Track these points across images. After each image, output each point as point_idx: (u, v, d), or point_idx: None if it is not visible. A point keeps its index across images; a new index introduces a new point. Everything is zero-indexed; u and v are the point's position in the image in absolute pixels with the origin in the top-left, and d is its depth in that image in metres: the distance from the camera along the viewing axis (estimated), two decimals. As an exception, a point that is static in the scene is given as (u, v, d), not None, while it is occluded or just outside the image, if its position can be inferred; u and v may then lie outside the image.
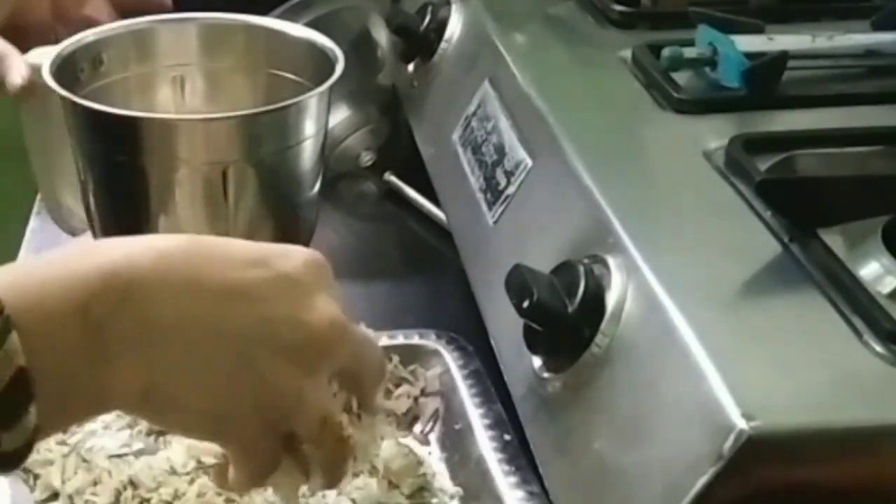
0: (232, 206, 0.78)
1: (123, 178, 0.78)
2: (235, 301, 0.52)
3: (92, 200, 0.81)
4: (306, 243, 0.83)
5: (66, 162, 0.81)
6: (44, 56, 0.80)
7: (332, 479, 0.57)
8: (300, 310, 0.53)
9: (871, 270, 0.55)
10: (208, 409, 0.53)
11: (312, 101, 0.78)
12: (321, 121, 0.80)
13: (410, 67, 0.98)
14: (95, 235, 0.82)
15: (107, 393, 0.50)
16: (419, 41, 0.95)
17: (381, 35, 1.05)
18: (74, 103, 0.76)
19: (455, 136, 0.84)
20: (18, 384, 0.46)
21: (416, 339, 0.77)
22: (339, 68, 0.80)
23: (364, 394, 0.60)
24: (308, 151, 0.80)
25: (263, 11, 1.00)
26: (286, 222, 0.82)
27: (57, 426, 0.52)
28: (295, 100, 0.77)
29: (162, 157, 0.76)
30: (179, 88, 0.88)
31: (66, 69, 0.81)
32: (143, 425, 0.69)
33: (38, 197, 1.01)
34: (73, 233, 0.84)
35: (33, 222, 0.98)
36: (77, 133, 0.78)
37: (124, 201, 0.79)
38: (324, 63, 0.82)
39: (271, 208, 0.80)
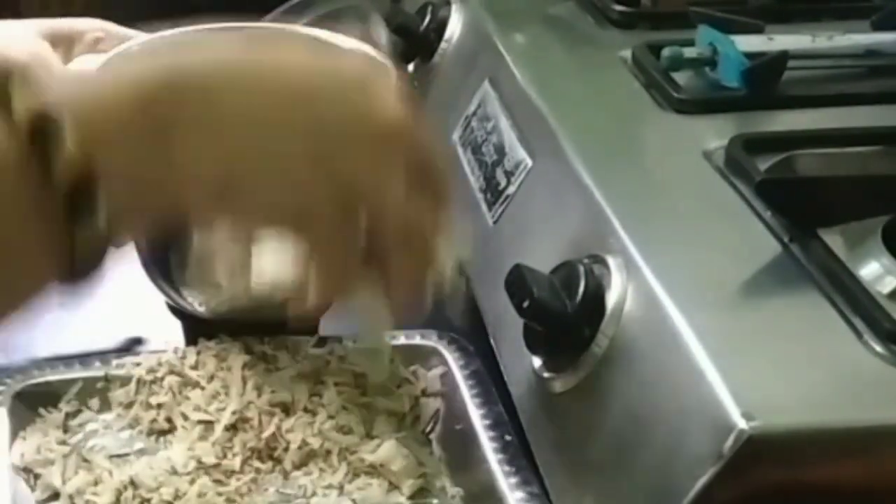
0: None
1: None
2: (302, 103, 0.52)
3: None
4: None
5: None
6: (89, 64, 0.80)
7: (413, 291, 0.55)
8: (369, 107, 0.52)
9: (871, 270, 0.55)
10: (286, 199, 0.51)
11: None
12: None
13: (410, 67, 0.98)
14: (135, 246, 0.82)
15: (181, 188, 0.49)
16: (419, 41, 0.95)
17: (382, 35, 1.05)
18: None
19: (455, 136, 0.84)
20: (84, 180, 0.45)
21: (417, 340, 0.77)
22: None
23: (438, 191, 0.56)
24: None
25: (263, 11, 1.00)
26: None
27: (133, 227, 0.52)
28: None
29: None
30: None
31: None
32: (144, 425, 0.69)
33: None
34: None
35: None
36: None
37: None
38: None
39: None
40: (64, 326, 0.77)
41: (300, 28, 0.55)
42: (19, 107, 0.45)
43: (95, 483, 0.66)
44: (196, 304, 0.79)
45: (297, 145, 0.51)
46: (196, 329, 0.82)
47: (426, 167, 0.55)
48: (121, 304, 0.82)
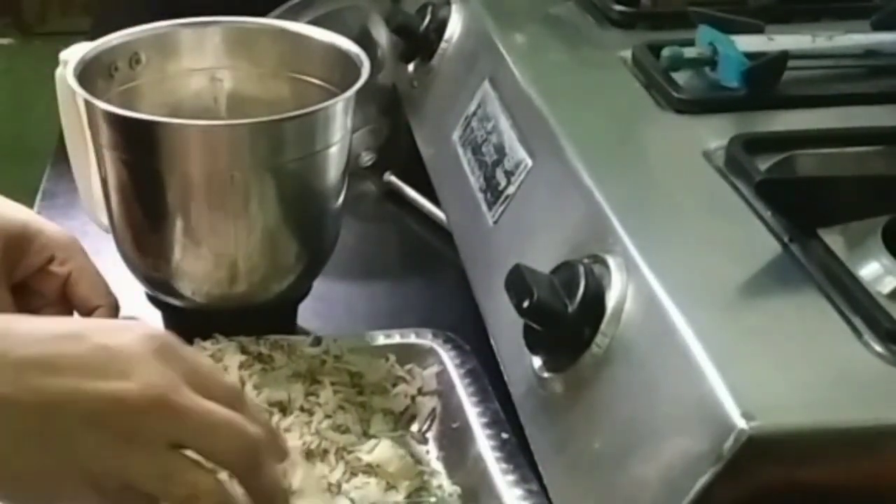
0: (253, 213, 0.77)
1: (143, 182, 0.78)
2: (38, 372, 0.52)
3: (112, 201, 0.80)
4: (328, 254, 0.83)
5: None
6: (81, 51, 0.80)
7: None
8: (110, 378, 0.52)
9: (871, 270, 0.55)
10: (31, 487, 0.53)
11: (339, 106, 0.78)
12: (346, 126, 0.80)
13: (410, 67, 0.98)
14: (115, 235, 0.82)
15: None
16: (419, 41, 0.95)
17: (381, 35, 1.05)
18: (93, 104, 0.76)
19: (455, 136, 0.84)
20: None
21: (412, 339, 0.77)
22: (365, 73, 0.79)
23: (237, 474, 0.56)
24: (333, 158, 0.79)
25: (263, 11, 1.00)
26: (308, 232, 0.81)
27: None
28: (323, 105, 0.77)
29: (181, 161, 0.75)
30: (208, 91, 0.88)
31: (98, 67, 0.81)
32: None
33: (39, 197, 1.01)
34: (107, 230, 0.84)
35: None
36: (98, 135, 0.78)
37: (142, 205, 0.79)
38: (349, 68, 0.81)
39: (294, 217, 0.79)
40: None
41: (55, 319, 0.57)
42: None
43: None
44: (175, 294, 0.80)
45: (30, 426, 0.52)
46: (175, 319, 0.82)
47: (201, 447, 0.54)
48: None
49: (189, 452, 0.55)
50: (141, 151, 0.76)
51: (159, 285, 0.81)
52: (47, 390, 0.52)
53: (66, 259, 0.75)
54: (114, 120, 0.76)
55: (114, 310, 0.76)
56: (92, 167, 0.82)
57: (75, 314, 0.76)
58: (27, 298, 0.76)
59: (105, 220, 0.84)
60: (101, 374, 0.53)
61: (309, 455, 0.67)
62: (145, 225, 0.79)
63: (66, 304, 0.76)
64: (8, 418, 0.52)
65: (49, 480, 0.53)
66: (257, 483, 0.56)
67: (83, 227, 0.87)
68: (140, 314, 0.82)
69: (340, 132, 0.79)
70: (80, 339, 0.54)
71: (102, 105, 0.76)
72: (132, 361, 0.53)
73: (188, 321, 0.80)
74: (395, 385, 0.74)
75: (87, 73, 0.79)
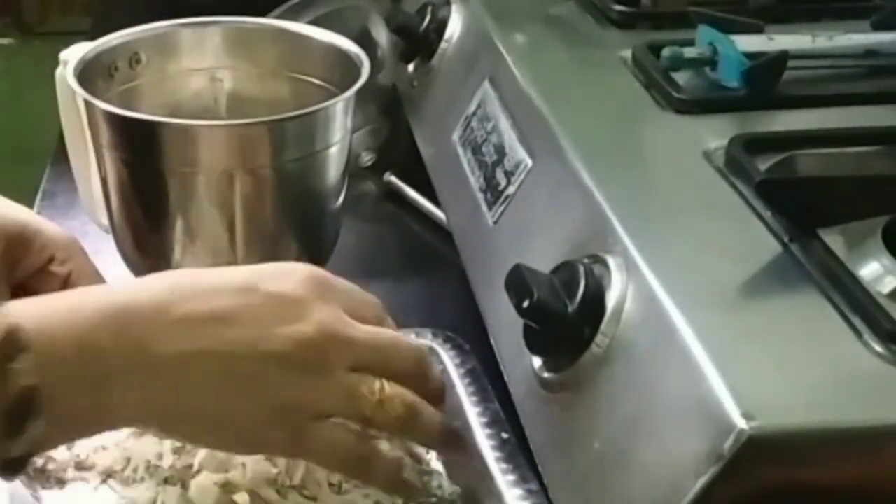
0: (252, 213, 0.77)
1: (143, 182, 0.78)
2: (224, 327, 0.56)
3: (112, 200, 0.80)
4: (328, 254, 0.83)
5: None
6: (81, 51, 0.80)
7: (427, 441, 0.64)
8: (286, 323, 0.57)
9: (872, 270, 0.55)
10: (220, 429, 0.57)
11: (339, 106, 0.78)
12: (346, 127, 0.80)
13: (410, 67, 0.98)
14: (115, 235, 0.82)
15: (109, 414, 0.55)
16: (419, 41, 0.95)
17: (381, 35, 1.05)
18: (92, 104, 0.76)
19: (455, 136, 0.84)
20: (28, 400, 0.51)
21: (412, 338, 0.77)
22: (365, 73, 0.79)
23: (411, 381, 0.61)
24: (333, 158, 0.79)
25: (263, 11, 1.00)
26: (308, 232, 0.81)
27: (62, 439, 0.58)
28: (323, 105, 0.77)
29: (180, 162, 0.75)
30: (208, 91, 0.88)
31: (98, 67, 0.81)
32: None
33: (38, 197, 1.01)
34: (107, 230, 0.84)
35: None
36: (98, 135, 0.78)
37: (143, 204, 0.79)
38: (349, 68, 0.81)
39: (294, 217, 0.80)
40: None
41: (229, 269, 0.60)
42: None
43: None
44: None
45: (222, 377, 0.56)
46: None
47: (379, 362, 0.60)
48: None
49: None
50: (141, 151, 0.76)
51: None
52: (232, 340, 0.56)
53: (66, 259, 0.75)
54: (114, 120, 0.76)
55: None
56: (92, 167, 0.82)
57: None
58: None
59: (105, 220, 0.84)
60: (278, 321, 0.57)
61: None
62: (145, 225, 0.79)
63: None
64: (196, 370, 0.56)
65: (245, 423, 0.57)
66: (430, 384, 0.63)
67: (83, 227, 0.87)
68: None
69: (340, 132, 0.79)
70: (251, 291, 0.58)
71: (102, 105, 0.76)
72: (301, 305, 0.58)
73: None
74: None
75: (87, 73, 0.79)
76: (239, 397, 0.56)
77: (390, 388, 0.60)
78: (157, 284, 0.58)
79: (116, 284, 0.58)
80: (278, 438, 0.58)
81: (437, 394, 0.64)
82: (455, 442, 0.64)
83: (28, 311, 0.53)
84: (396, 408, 0.59)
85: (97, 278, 0.77)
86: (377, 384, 0.59)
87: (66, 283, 0.75)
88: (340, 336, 0.58)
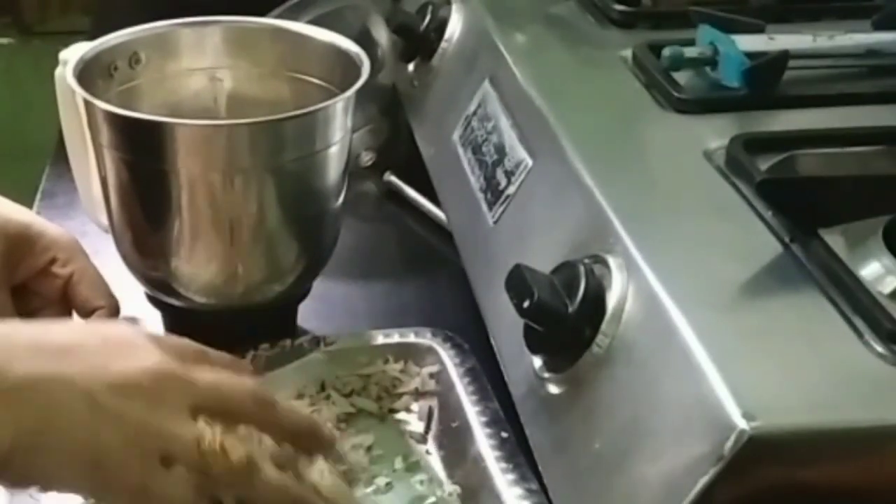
0: (252, 213, 0.77)
1: (143, 182, 0.78)
2: (69, 356, 0.56)
3: (112, 201, 0.80)
4: (328, 254, 0.83)
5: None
6: (81, 51, 0.80)
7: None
8: (128, 359, 0.57)
9: (872, 270, 0.55)
10: (81, 457, 0.55)
11: (339, 105, 0.77)
12: (346, 126, 0.79)
13: (410, 67, 0.98)
14: (115, 235, 0.82)
15: None
16: (419, 41, 0.95)
17: (382, 34, 1.04)
18: (92, 104, 0.76)
19: (455, 136, 0.84)
20: None
21: (411, 338, 0.77)
22: (365, 72, 0.79)
23: (258, 417, 0.60)
24: (333, 158, 0.79)
25: (263, 10, 1.00)
26: (308, 232, 0.81)
27: None
28: (323, 104, 0.77)
29: (181, 161, 0.75)
30: (208, 91, 0.88)
31: (98, 67, 0.80)
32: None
33: (38, 197, 1.01)
34: (107, 230, 0.84)
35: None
36: (98, 135, 0.78)
37: (142, 204, 0.79)
38: (349, 67, 0.81)
39: (294, 217, 0.79)
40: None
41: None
42: None
43: None
44: (175, 295, 0.80)
45: (74, 400, 0.55)
46: (174, 320, 0.82)
47: (222, 405, 0.59)
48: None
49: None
50: (141, 151, 0.76)
51: (159, 286, 0.81)
52: (78, 369, 0.56)
53: (67, 260, 0.75)
54: (114, 120, 0.76)
55: (114, 311, 0.77)
56: (92, 167, 0.82)
57: (75, 315, 0.76)
58: (27, 299, 0.76)
59: (105, 220, 0.84)
60: (118, 356, 0.57)
61: None
62: (145, 225, 0.79)
63: (66, 304, 0.76)
64: (59, 391, 0.55)
65: (103, 451, 0.56)
66: (280, 416, 0.61)
67: (83, 227, 0.86)
68: (140, 315, 0.82)
69: (340, 132, 0.79)
70: (90, 332, 0.59)
71: (102, 105, 0.76)
72: (141, 345, 0.59)
73: (188, 321, 0.80)
74: (394, 386, 0.74)
75: (87, 73, 0.79)
76: (95, 423, 0.55)
77: (233, 440, 0.58)
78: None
79: None
80: (131, 469, 0.56)
81: (295, 429, 0.62)
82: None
83: None
84: (236, 458, 0.57)
85: (98, 280, 0.77)
86: (216, 435, 0.58)
87: (67, 285, 0.75)
88: (179, 374, 0.58)
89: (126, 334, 0.60)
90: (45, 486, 0.58)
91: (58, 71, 0.81)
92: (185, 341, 0.63)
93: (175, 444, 0.57)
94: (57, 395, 0.55)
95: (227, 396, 0.59)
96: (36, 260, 0.75)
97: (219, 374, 0.60)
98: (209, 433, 0.57)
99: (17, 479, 0.58)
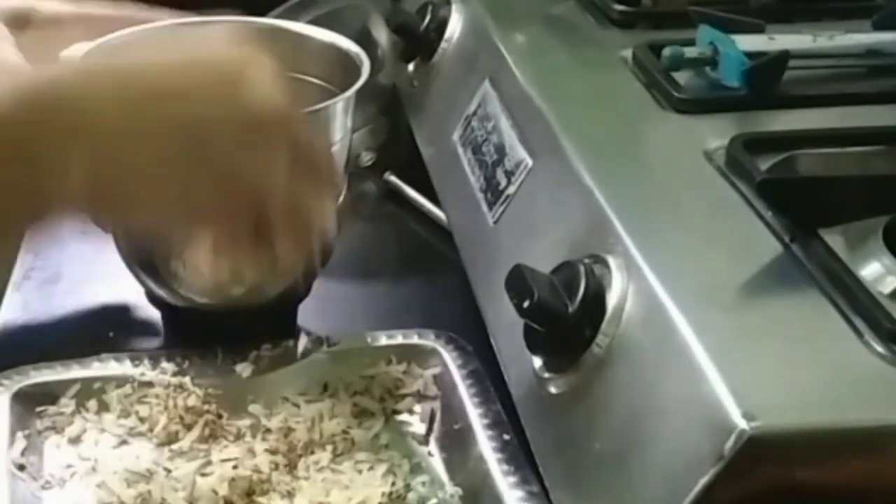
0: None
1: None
2: (170, 102, 0.55)
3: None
4: (328, 254, 0.83)
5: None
6: (79, 52, 0.80)
7: (294, 255, 0.60)
8: (242, 98, 0.56)
9: (873, 270, 0.55)
10: (166, 197, 0.55)
11: (339, 105, 0.77)
12: (346, 126, 0.79)
13: (410, 67, 0.98)
14: (114, 236, 0.82)
15: (48, 196, 0.53)
16: (419, 41, 0.95)
17: (382, 34, 1.04)
18: None
19: (455, 136, 0.84)
20: None
21: (414, 339, 0.77)
22: (365, 72, 0.79)
23: (319, 169, 0.61)
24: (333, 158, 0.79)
25: (263, 10, 1.00)
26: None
27: (10, 231, 0.57)
28: (323, 104, 0.76)
29: None
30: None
31: None
32: (143, 427, 0.69)
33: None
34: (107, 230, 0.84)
35: (33, 222, 0.98)
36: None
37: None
38: (349, 67, 0.81)
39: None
40: (46, 315, 0.77)
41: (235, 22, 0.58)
42: None
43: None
44: (175, 295, 0.79)
45: (170, 146, 0.54)
46: (175, 320, 0.82)
47: (305, 148, 0.59)
48: (100, 293, 0.83)
49: None
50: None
51: (159, 286, 0.80)
52: (187, 118, 0.55)
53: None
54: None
55: None
56: None
57: None
58: None
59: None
60: (229, 96, 0.56)
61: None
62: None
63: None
64: (154, 146, 0.54)
65: (183, 189, 0.56)
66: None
67: (82, 227, 0.86)
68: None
69: (341, 132, 0.78)
70: (197, 65, 0.57)
71: None
72: (248, 77, 0.57)
73: (188, 322, 0.80)
74: (397, 388, 0.74)
75: None
76: (190, 171, 0.55)
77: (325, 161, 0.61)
78: (88, 65, 0.57)
79: (38, 70, 0.56)
80: (208, 204, 0.57)
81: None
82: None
83: None
84: (298, 220, 0.59)
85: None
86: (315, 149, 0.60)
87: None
88: (286, 112, 0.58)
89: (234, 57, 0.58)
90: (130, 216, 0.59)
91: None
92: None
93: (267, 177, 0.57)
94: (147, 144, 0.54)
95: (314, 148, 0.61)
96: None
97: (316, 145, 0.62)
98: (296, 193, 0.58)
99: (105, 215, 0.59)
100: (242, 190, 0.57)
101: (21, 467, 0.66)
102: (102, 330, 0.80)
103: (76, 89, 0.54)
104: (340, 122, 0.78)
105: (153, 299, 0.83)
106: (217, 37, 0.60)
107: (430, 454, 0.70)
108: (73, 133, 0.52)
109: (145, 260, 0.80)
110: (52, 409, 0.70)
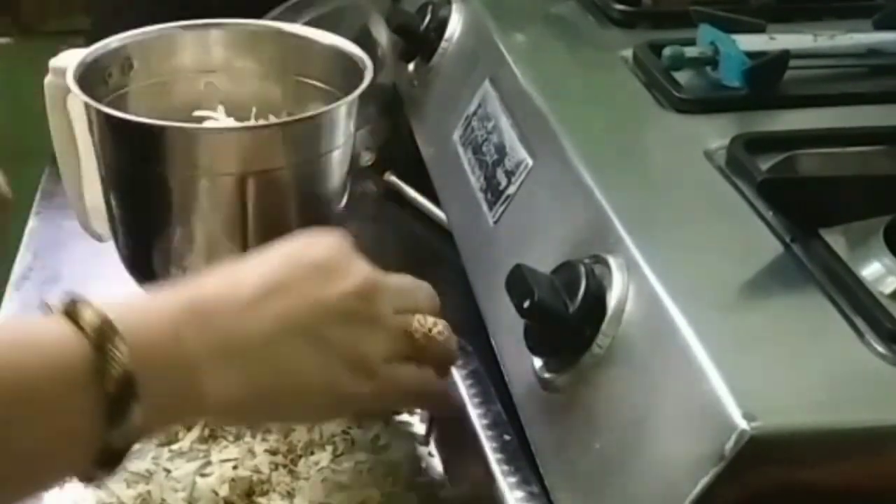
0: (254, 217, 0.77)
1: (145, 186, 0.77)
2: (282, 296, 0.59)
3: (114, 205, 0.80)
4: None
5: (94, 167, 0.81)
6: (70, 59, 0.79)
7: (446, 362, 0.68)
8: (339, 282, 0.61)
9: (873, 270, 0.55)
10: (315, 394, 0.60)
11: (342, 109, 0.77)
12: (349, 130, 0.79)
13: (411, 67, 0.98)
14: (115, 240, 0.82)
15: (202, 399, 0.56)
16: (419, 41, 0.95)
17: (382, 34, 1.04)
18: (97, 109, 0.76)
19: (455, 136, 0.84)
20: (127, 385, 0.52)
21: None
22: (369, 76, 0.79)
23: (431, 313, 0.67)
24: (337, 161, 0.79)
25: (264, 10, 1.00)
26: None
27: (160, 426, 0.59)
28: (327, 108, 0.76)
29: (184, 166, 0.75)
30: (207, 95, 0.88)
31: (93, 73, 0.80)
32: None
33: (38, 197, 1.01)
34: (100, 238, 0.84)
35: (32, 223, 0.98)
36: (99, 139, 0.77)
37: (145, 209, 0.78)
38: (352, 70, 0.81)
39: (297, 221, 0.79)
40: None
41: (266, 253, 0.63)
42: (89, 317, 0.52)
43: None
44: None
45: (297, 345, 0.59)
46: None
47: (410, 303, 0.65)
48: (100, 294, 0.83)
49: None
50: (144, 155, 0.76)
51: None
52: (302, 309, 0.60)
53: None
54: (116, 124, 0.75)
55: None
56: (84, 176, 0.82)
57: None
58: None
59: (98, 228, 0.83)
60: (326, 283, 0.61)
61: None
62: (147, 229, 0.79)
63: None
64: (283, 344, 0.59)
65: (328, 384, 0.60)
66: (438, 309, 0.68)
67: (82, 228, 0.86)
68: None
69: (344, 136, 0.78)
70: (294, 263, 0.62)
71: (105, 109, 0.75)
72: (340, 265, 0.62)
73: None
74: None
75: (85, 80, 0.78)
76: (318, 360, 0.59)
77: (426, 319, 0.65)
78: (214, 279, 0.60)
79: (194, 285, 0.60)
80: (363, 390, 0.61)
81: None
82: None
83: (118, 304, 0.55)
84: (441, 334, 0.65)
85: None
86: (420, 318, 0.65)
87: None
88: (380, 283, 0.63)
89: (328, 252, 0.63)
90: (287, 422, 0.67)
91: (47, 79, 0.81)
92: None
93: (392, 345, 0.63)
94: (282, 346, 0.58)
95: (415, 296, 0.67)
96: None
97: (402, 278, 0.67)
98: (415, 322, 0.64)
99: (252, 422, 0.66)
100: (369, 362, 0.61)
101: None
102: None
103: (221, 303, 0.58)
104: (344, 126, 0.78)
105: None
106: (310, 239, 0.64)
107: (430, 454, 0.70)
108: (222, 342, 0.57)
109: (146, 264, 0.80)
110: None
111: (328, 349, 0.60)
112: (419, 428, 0.72)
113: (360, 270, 0.63)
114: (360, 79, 0.79)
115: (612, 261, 0.58)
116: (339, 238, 0.64)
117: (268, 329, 0.58)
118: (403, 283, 0.67)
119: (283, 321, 0.59)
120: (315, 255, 0.62)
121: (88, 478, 0.55)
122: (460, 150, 0.82)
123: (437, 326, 0.65)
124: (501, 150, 0.75)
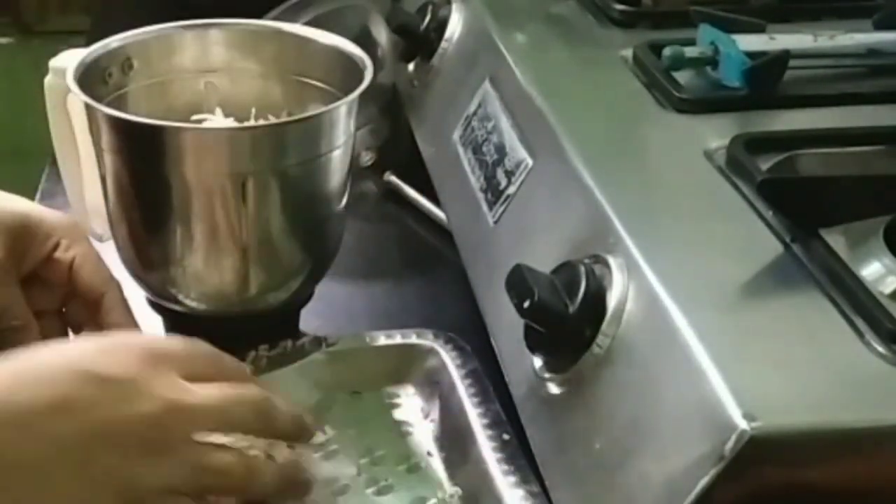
0: (255, 218, 0.77)
1: (145, 187, 0.77)
2: (65, 420, 0.54)
3: (113, 206, 0.80)
4: (332, 258, 0.83)
5: (94, 167, 0.80)
6: (70, 59, 0.79)
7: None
8: (131, 404, 0.56)
9: (873, 270, 0.55)
10: None
11: (342, 109, 0.77)
12: (350, 130, 0.79)
13: (411, 67, 0.98)
14: (115, 240, 0.81)
15: None
16: (419, 41, 0.95)
17: (382, 34, 1.04)
18: (97, 109, 0.76)
19: (455, 136, 0.84)
20: None
21: (413, 339, 0.77)
22: (369, 76, 0.79)
23: (259, 432, 0.62)
24: (337, 162, 0.79)
25: (264, 10, 1.00)
26: (312, 236, 0.81)
27: None
28: (327, 108, 0.76)
29: (184, 166, 0.75)
30: (207, 95, 0.87)
31: (93, 73, 0.80)
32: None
33: (38, 197, 1.00)
34: (100, 238, 0.84)
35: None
36: (100, 139, 0.77)
37: (144, 209, 0.78)
38: (352, 70, 0.81)
39: (298, 221, 0.79)
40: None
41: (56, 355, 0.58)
42: None
43: None
44: (176, 300, 0.79)
45: (67, 470, 0.54)
46: (176, 325, 0.82)
47: (234, 425, 0.60)
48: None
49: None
50: (144, 156, 0.76)
51: (160, 291, 0.80)
52: (77, 429, 0.55)
53: (69, 245, 0.75)
54: (117, 124, 0.75)
55: (119, 291, 0.75)
56: (84, 176, 0.82)
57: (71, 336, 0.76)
58: (36, 290, 0.75)
59: (97, 228, 0.83)
60: (116, 405, 0.56)
61: None
62: (147, 230, 0.79)
63: (72, 291, 0.75)
64: (52, 469, 0.54)
65: None
66: (278, 424, 0.62)
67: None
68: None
69: (344, 136, 0.78)
70: (85, 378, 0.56)
71: (105, 109, 0.75)
72: (137, 384, 0.56)
73: (190, 327, 0.80)
74: (396, 388, 0.74)
75: (85, 80, 0.78)
76: (85, 494, 0.55)
77: (232, 456, 0.59)
78: None
79: None
80: None
81: (289, 430, 0.63)
82: (297, 489, 0.63)
83: None
84: (235, 471, 0.59)
85: (99, 264, 0.76)
86: (219, 457, 0.58)
87: (71, 268, 0.75)
88: (182, 408, 0.57)
89: (125, 370, 0.57)
90: None
91: (47, 79, 0.81)
92: (198, 349, 0.62)
93: (175, 479, 0.56)
94: (53, 474, 0.54)
95: (229, 415, 0.59)
96: (40, 248, 0.74)
97: (223, 389, 0.60)
98: (207, 458, 0.57)
99: None
100: (141, 497, 0.56)
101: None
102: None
103: None
104: (344, 126, 0.78)
105: (154, 304, 0.82)
106: (115, 345, 0.59)
107: (429, 454, 0.70)
108: None
109: (145, 264, 0.80)
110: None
111: (101, 480, 0.55)
112: (419, 427, 0.72)
113: (161, 391, 0.56)
114: (360, 79, 0.78)
115: (612, 261, 0.58)
116: (144, 346, 0.59)
117: (42, 454, 0.53)
118: (218, 398, 0.59)
119: (59, 446, 0.54)
120: (109, 369, 0.56)
121: None
122: (460, 150, 0.82)
123: (256, 452, 0.60)
124: (501, 150, 0.76)
